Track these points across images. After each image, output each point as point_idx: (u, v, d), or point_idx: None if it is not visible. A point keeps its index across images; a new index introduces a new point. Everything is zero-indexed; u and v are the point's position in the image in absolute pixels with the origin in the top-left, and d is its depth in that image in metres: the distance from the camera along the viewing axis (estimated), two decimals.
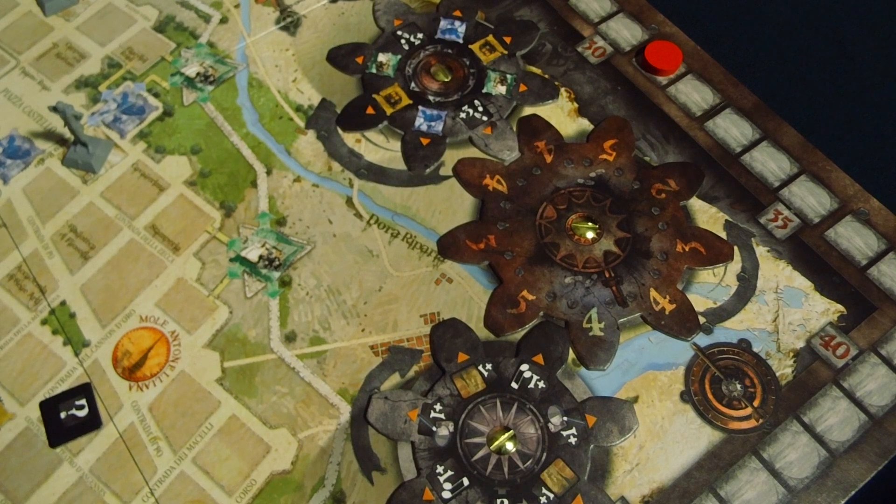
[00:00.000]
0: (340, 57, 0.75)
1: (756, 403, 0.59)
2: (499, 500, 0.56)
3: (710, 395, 0.59)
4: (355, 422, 0.59)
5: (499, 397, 0.59)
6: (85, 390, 0.60)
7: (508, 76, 0.73)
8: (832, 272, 0.64)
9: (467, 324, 0.62)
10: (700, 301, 0.63)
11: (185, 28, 0.77)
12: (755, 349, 0.61)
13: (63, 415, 0.59)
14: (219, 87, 0.73)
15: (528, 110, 0.72)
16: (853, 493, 0.56)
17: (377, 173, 0.69)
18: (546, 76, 0.73)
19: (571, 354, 0.61)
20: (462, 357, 0.60)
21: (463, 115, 0.71)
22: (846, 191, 0.67)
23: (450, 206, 0.67)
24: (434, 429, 0.58)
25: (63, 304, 0.63)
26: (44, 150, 0.70)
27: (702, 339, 0.61)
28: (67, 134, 0.70)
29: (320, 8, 0.78)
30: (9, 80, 0.74)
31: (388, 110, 0.72)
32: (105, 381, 0.61)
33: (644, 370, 0.60)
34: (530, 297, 0.63)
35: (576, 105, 0.72)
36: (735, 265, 0.64)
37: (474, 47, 0.75)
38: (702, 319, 0.62)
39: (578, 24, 0.76)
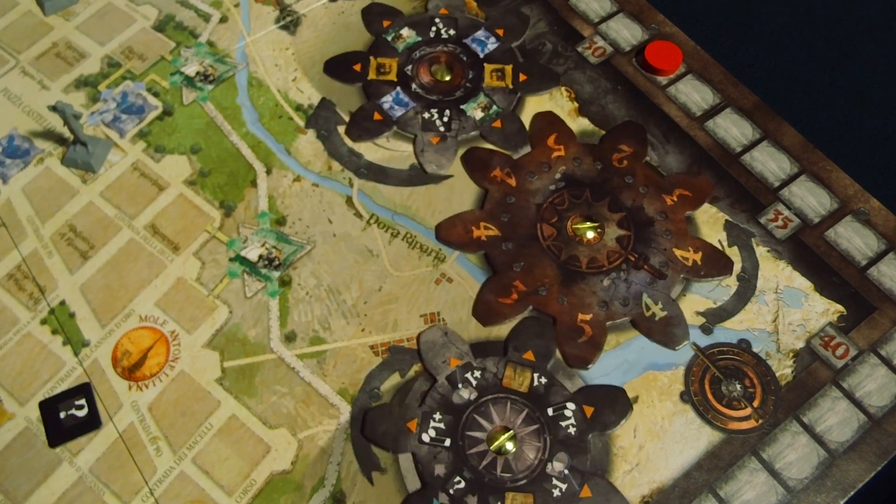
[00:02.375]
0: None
1: (756, 404, 0.59)
2: (457, 478, 0.56)
3: (709, 396, 0.59)
4: (355, 422, 0.59)
5: (529, 409, 0.58)
6: (84, 390, 0.60)
7: (494, 108, 0.71)
8: (832, 272, 0.64)
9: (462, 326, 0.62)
10: (700, 301, 0.63)
11: (185, 27, 0.77)
12: (755, 349, 0.61)
13: (62, 414, 0.59)
14: (218, 86, 0.73)
15: (482, 146, 0.70)
16: (852, 493, 0.56)
17: (377, 173, 0.69)
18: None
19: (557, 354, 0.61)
20: (528, 355, 0.60)
21: (427, 115, 0.71)
22: (846, 191, 0.67)
23: (449, 205, 0.67)
24: (459, 386, 0.58)
25: (62, 303, 0.63)
26: (43, 150, 0.70)
27: (702, 340, 0.61)
28: (67, 133, 0.70)
29: (320, 7, 0.78)
30: (8, 80, 0.74)
31: (372, 75, 0.72)
32: (105, 380, 0.60)
33: (644, 370, 0.60)
34: (587, 317, 0.62)
35: (576, 104, 0.72)
36: (735, 265, 0.64)
37: (488, 67, 0.74)
38: (701, 320, 0.62)
39: (578, 24, 0.76)
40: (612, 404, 0.59)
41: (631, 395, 0.59)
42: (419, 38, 0.74)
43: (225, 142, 0.70)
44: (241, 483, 0.57)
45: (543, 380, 0.59)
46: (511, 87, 0.72)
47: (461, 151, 0.70)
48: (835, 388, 0.60)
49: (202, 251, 0.66)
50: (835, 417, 0.59)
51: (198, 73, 0.74)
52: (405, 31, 0.74)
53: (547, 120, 0.71)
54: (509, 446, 0.57)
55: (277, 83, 0.73)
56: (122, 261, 0.65)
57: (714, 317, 0.62)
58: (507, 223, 0.66)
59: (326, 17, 0.77)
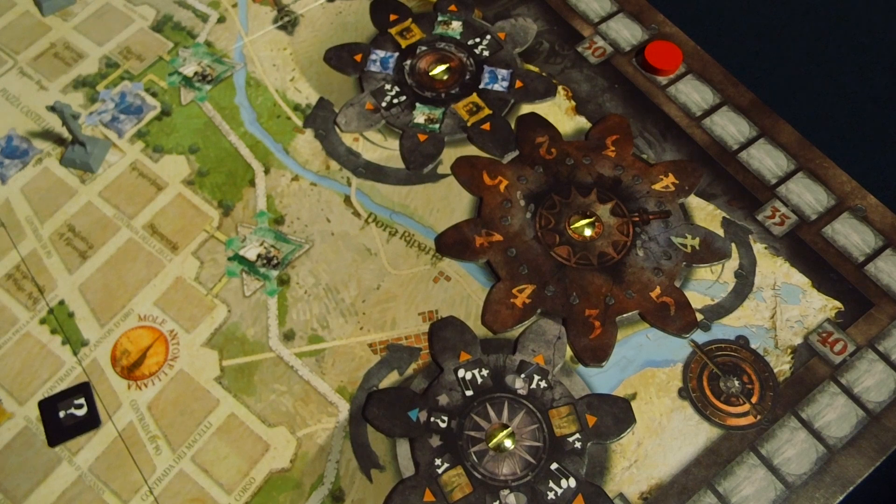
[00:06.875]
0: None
1: (754, 400, 0.59)
2: (439, 452, 0.57)
3: (708, 392, 0.60)
4: (354, 420, 0.59)
5: (541, 434, 0.58)
6: (84, 389, 0.60)
7: (436, 126, 0.70)
8: (830, 269, 0.64)
9: (467, 323, 0.62)
10: (698, 298, 0.63)
11: (183, 27, 0.77)
12: (753, 346, 0.61)
13: (62, 414, 0.59)
14: (216, 86, 0.73)
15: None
16: (851, 488, 0.56)
17: (375, 172, 0.69)
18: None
19: (569, 352, 0.61)
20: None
21: (388, 86, 0.72)
22: (843, 188, 0.68)
23: (447, 203, 0.67)
24: (523, 375, 0.60)
25: (62, 303, 0.63)
26: (42, 150, 0.70)
27: (700, 336, 0.62)
28: (65, 133, 0.71)
29: (318, 7, 0.78)
30: (7, 80, 0.74)
31: (394, 30, 0.75)
32: (104, 380, 0.61)
33: (642, 367, 0.60)
34: (658, 291, 0.63)
35: (573, 103, 0.72)
36: (733, 262, 0.65)
37: (473, 98, 0.72)
38: (700, 316, 0.62)
39: (578, 24, 0.77)
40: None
41: (629, 391, 0.59)
42: (458, 37, 0.75)
43: (223, 141, 0.71)
44: (240, 481, 0.57)
45: (579, 440, 0.58)
46: (469, 125, 0.71)
47: (453, 157, 0.70)
48: (833, 384, 0.60)
49: (201, 250, 0.66)
50: (833, 413, 0.59)
51: (196, 73, 0.74)
52: (455, 24, 0.75)
53: (468, 166, 0.69)
54: (507, 443, 0.57)
55: (275, 83, 0.74)
56: (121, 260, 0.65)
57: (712, 313, 0.62)
58: (529, 273, 0.64)
59: (324, 18, 0.77)
